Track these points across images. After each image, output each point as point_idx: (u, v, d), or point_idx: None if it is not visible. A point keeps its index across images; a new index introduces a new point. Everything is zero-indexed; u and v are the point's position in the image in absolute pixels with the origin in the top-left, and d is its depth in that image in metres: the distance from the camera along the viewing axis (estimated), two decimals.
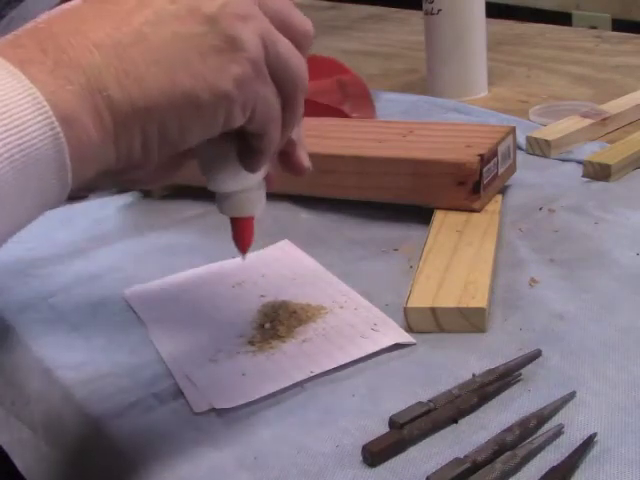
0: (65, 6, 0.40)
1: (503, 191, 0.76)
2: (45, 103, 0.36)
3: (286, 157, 0.50)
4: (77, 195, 0.80)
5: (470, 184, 0.69)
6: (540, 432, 0.46)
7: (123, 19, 0.39)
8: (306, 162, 0.51)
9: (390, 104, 1.04)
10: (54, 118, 0.36)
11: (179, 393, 0.53)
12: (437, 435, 0.47)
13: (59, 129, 0.36)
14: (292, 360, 0.55)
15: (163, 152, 0.42)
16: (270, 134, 0.45)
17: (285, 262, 0.68)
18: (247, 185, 0.49)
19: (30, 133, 0.35)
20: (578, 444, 0.45)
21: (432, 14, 1.04)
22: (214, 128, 0.42)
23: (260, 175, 0.49)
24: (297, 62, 0.44)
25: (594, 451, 0.45)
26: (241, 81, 0.41)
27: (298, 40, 0.45)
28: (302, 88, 0.45)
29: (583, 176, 0.79)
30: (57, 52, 0.37)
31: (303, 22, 0.45)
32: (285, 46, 0.44)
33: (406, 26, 1.53)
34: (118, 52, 0.39)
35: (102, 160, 0.39)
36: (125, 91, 0.39)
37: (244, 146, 0.46)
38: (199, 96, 0.40)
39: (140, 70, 0.39)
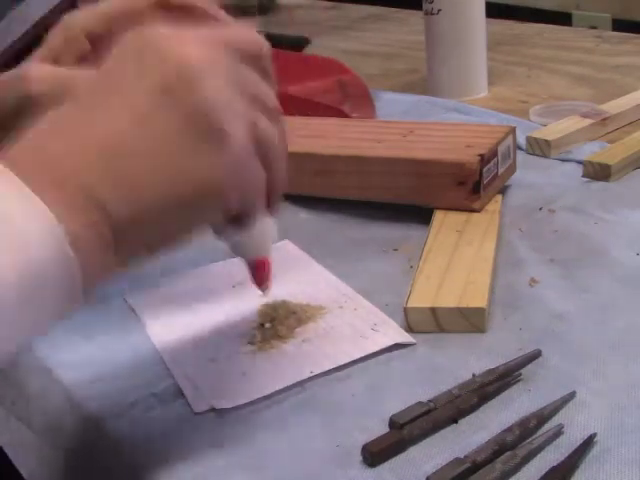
0: (52, 117, 0.40)
1: (503, 191, 0.76)
2: (56, 223, 0.36)
3: None
4: None
5: (470, 184, 0.69)
6: (540, 432, 0.46)
7: (111, 127, 0.39)
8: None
9: (390, 104, 1.04)
10: (65, 239, 0.36)
11: (179, 393, 0.53)
12: (437, 435, 0.47)
13: (70, 250, 0.36)
14: (292, 360, 0.55)
15: (165, 248, 0.43)
16: (258, 205, 0.46)
17: (285, 262, 0.68)
18: (261, 228, 0.49)
19: (46, 266, 0.36)
20: (578, 444, 0.45)
21: (432, 14, 1.04)
22: (212, 219, 0.44)
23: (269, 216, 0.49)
24: (275, 135, 0.45)
25: (594, 451, 0.45)
26: (234, 171, 0.41)
27: (271, 115, 0.45)
28: (283, 156, 0.46)
29: (583, 176, 0.79)
30: (52, 172, 0.37)
31: (272, 99, 0.45)
32: (264, 123, 0.44)
33: (406, 26, 1.53)
34: (109, 164, 0.38)
35: (106, 270, 0.40)
36: (122, 203, 0.39)
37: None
38: (197, 196, 0.41)
39: (133, 180, 0.39)
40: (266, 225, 0.50)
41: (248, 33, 0.45)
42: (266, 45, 0.46)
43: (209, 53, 0.41)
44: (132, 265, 0.42)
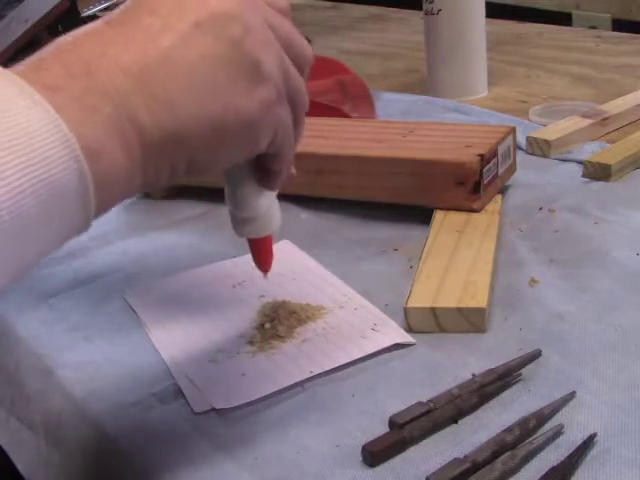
0: (87, 28, 0.39)
1: (503, 191, 0.76)
2: (71, 135, 0.35)
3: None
4: None
5: (470, 184, 0.69)
6: (540, 432, 0.46)
7: (149, 42, 0.39)
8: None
9: (390, 104, 1.04)
10: (79, 151, 0.35)
11: (179, 393, 0.53)
12: (437, 435, 0.47)
13: (84, 163, 0.35)
14: (292, 360, 0.55)
15: (189, 177, 0.42)
16: (286, 154, 0.46)
17: (285, 262, 0.68)
18: (267, 204, 0.49)
19: (55, 167, 0.34)
20: (578, 444, 0.45)
21: (432, 14, 1.04)
22: (241, 154, 0.43)
23: (275, 192, 0.49)
24: (303, 85, 0.45)
25: (594, 451, 0.45)
26: (266, 106, 0.41)
27: (300, 64, 0.45)
28: (306, 108, 0.46)
29: (583, 176, 0.79)
30: (85, 77, 0.36)
31: (306, 48, 0.46)
32: (294, 70, 0.44)
33: (406, 26, 1.53)
34: (146, 77, 0.38)
35: (128, 188, 0.39)
36: (154, 117, 0.38)
37: (260, 168, 0.47)
38: (227, 121, 0.40)
39: (169, 95, 0.38)
40: (272, 203, 0.50)
41: None
42: (287, 5, 0.46)
43: None
44: (153, 188, 0.40)
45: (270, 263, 0.52)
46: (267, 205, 0.49)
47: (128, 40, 0.38)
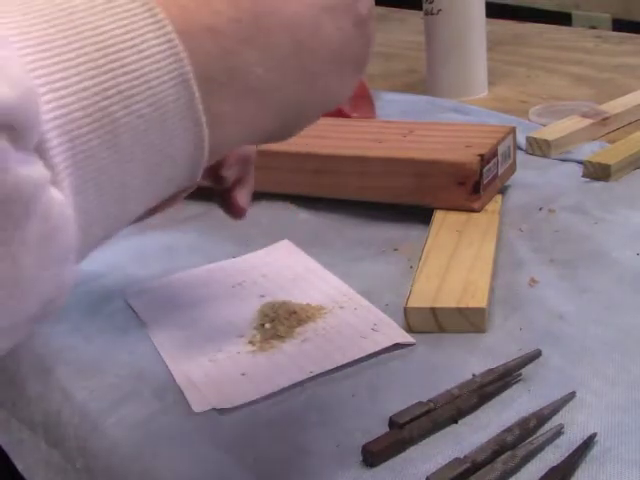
0: None
1: (503, 191, 0.76)
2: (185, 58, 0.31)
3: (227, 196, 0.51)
4: None
5: (470, 184, 0.69)
6: (540, 432, 0.46)
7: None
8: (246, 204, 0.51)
9: (390, 104, 1.04)
10: (189, 71, 0.31)
11: (179, 393, 0.53)
12: (437, 435, 0.47)
13: (194, 85, 0.32)
14: (292, 360, 0.55)
15: (251, 142, 0.39)
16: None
17: (285, 262, 0.68)
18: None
19: (165, 90, 0.31)
20: (578, 444, 0.45)
21: (432, 14, 1.04)
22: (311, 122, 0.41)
23: None
24: None
25: (594, 451, 0.45)
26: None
27: None
28: None
29: (583, 176, 0.79)
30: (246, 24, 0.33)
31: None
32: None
33: (406, 26, 1.53)
34: (262, 25, 0.34)
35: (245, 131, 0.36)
36: (258, 62, 0.34)
37: None
38: (323, 103, 0.40)
39: (278, 49, 0.35)
40: None
41: None
42: None
43: None
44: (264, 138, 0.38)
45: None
46: None
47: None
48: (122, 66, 0.30)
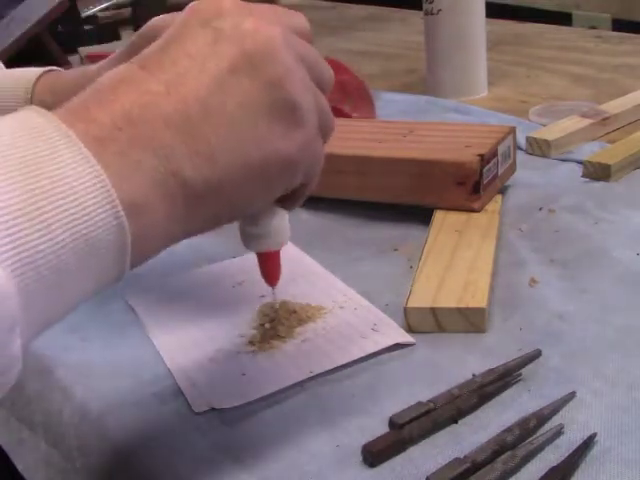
0: (123, 73, 0.38)
1: (503, 191, 0.76)
2: (113, 191, 0.34)
3: None
4: None
5: (470, 184, 0.69)
6: (540, 432, 0.46)
7: (188, 91, 0.38)
8: None
9: (390, 104, 1.05)
10: (120, 207, 0.35)
11: (179, 393, 0.53)
12: (437, 435, 0.47)
13: (124, 219, 0.35)
14: (292, 360, 0.55)
15: (230, 220, 0.42)
16: (315, 181, 0.46)
17: (285, 262, 0.67)
18: (279, 221, 0.49)
19: (96, 222, 0.34)
20: (578, 444, 0.45)
21: (432, 14, 1.04)
22: (278, 193, 0.43)
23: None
24: (330, 110, 0.45)
25: (594, 451, 0.44)
26: (305, 146, 0.41)
27: (324, 89, 0.45)
28: (333, 132, 0.46)
29: (583, 176, 0.79)
30: (129, 129, 0.36)
31: (329, 72, 0.45)
32: (325, 101, 0.44)
33: (406, 26, 1.53)
34: (188, 128, 0.37)
35: (169, 239, 0.39)
36: (197, 170, 0.37)
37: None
38: (269, 166, 0.40)
39: (211, 147, 0.38)
40: (283, 219, 0.49)
41: (296, 14, 0.45)
42: (309, 27, 0.45)
43: (279, 28, 0.41)
44: (194, 234, 0.40)
45: (278, 277, 0.52)
46: (279, 222, 0.49)
47: (167, 88, 0.38)
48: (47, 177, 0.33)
